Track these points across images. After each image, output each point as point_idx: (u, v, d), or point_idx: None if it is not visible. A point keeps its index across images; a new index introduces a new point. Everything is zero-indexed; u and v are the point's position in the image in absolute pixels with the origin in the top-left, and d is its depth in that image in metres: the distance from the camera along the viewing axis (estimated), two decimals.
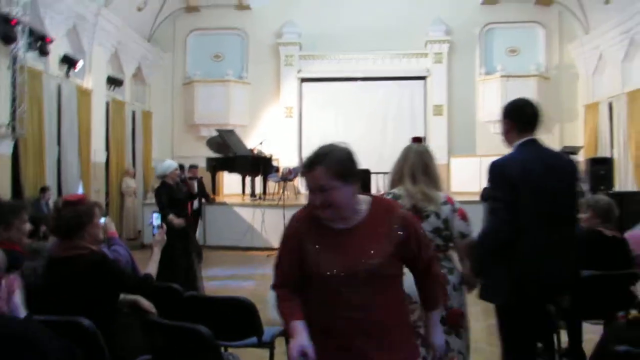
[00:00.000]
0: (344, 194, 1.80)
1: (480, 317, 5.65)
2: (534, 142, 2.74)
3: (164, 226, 3.32)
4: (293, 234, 1.94)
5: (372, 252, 1.82)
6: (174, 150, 13.67)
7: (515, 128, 2.77)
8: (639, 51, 11.00)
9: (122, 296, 3.01)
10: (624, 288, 3.68)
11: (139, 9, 11.90)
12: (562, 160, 2.86)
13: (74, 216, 2.70)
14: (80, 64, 9.66)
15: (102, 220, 3.57)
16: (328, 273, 1.81)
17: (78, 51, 10.02)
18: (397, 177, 2.78)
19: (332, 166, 1.78)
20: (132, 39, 11.99)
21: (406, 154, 2.83)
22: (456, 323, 2.63)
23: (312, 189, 1.82)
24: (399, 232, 1.85)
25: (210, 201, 10.63)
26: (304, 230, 1.90)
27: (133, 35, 11.96)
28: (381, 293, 1.83)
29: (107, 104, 11.05)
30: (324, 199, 1.80)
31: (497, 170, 2.71)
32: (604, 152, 11.94)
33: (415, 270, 1.99)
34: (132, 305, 3.05)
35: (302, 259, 1.87)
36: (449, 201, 2.71)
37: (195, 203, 8.72)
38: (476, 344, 3.65)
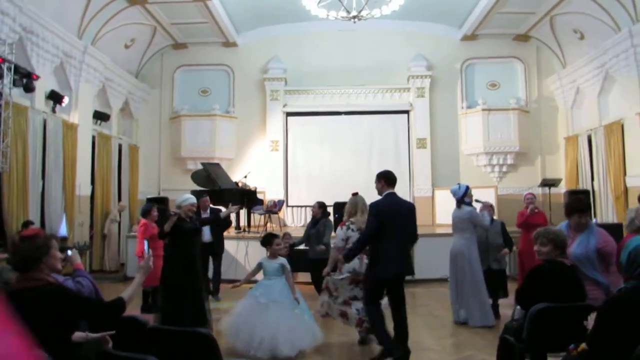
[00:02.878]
0: None
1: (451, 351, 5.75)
2: (393, 194, 5.17)
3: (151, 253, 3.43)
4: None
5: None
6: (161, 184, 13.78)
7: (384, 185, 5.18)
8: (614, 85, 11.27)
9: (86, 335, 3.06)
10: (579, 320, 3.77)
11: (127, 47, 12.18)
12: (406, 204, 5.33)
13: (31, 249, 2.81)
14: (66, 100, 9.83)
15: (69, 252, 3.67)
16: None
17: (65, 87, 10.21)
18: (353, 212, 5.78)
19: None
20: (120, 75, 12.22)
21: (355, 199, 5.86)
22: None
23: None
24: None
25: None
26: None
27: (120, 72, 12.20)
28: None
29: (94, 138, 11.19)
30: None
31: (373, 205, 5.11)
32: (584, 184, 12.10)
33: None
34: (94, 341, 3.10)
35: None
36: None
37: (207, 236, 8.09)
38: None
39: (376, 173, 5.45)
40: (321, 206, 8.31)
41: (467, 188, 6.66)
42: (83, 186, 10.54)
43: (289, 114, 13.93)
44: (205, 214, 8.20)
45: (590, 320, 3.50)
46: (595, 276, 4.18)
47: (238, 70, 14.12)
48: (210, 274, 8.43)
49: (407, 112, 13.81)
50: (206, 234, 8.10)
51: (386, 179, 5.20)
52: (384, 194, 5.17)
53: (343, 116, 13.77)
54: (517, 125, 13.14)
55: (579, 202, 4.61)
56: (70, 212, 9.95)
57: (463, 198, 6.57)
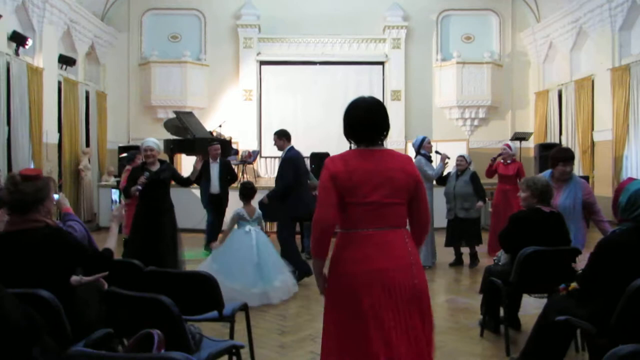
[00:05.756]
0: None
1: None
2: (293, 147, 6.19)
3: (123, 202, 3.33)
4: None
5: None
6: (130, 132, 13.40)
7: (286, 141, 6.17)
8: (587, 41, 11.44)
9: (80, 278, 3.01)
10: (566, 263, 3.93)
11: None
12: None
13: (33, 191, 2.68)
14: (29, 42, 9.33)
15: (56, 196, 3.55)
16: None
17: (28, 28, 9.67)
18: None
19: None
20: (85, 17, 11.61)
21: None
22: None
23: None
24: None
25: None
26: None
27: (86, 14, 11.58)
28: None
29: (60, 84, 10.72)
30: None
31: (292, 159, 6.08)
32: (553, 138, 12.41)
33: None
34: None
35: None
36: None
37: (215, 187, 8.17)
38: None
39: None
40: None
41: (423, 139, 6.97)
42: (50, 133, 10.15)
43: (262, 63, 13.58)
44: (215, 163, 8.05)
45: (580, 262, 3.65)
46: (575, 229, 4.34)
47: (210, 15, 13.59)
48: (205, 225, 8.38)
49: (382, 63, 13.68)
50: (214, 185, 8.06)
51: (287, 137, 6.20)
52: (287, 148, 6.14)
53: (318, 66, 13.54)
54: (489, 79, 13.21)
55: (564, 152, 4.69)
56: (38, 160, 9.61)
57: (419, 149, 6.90)
